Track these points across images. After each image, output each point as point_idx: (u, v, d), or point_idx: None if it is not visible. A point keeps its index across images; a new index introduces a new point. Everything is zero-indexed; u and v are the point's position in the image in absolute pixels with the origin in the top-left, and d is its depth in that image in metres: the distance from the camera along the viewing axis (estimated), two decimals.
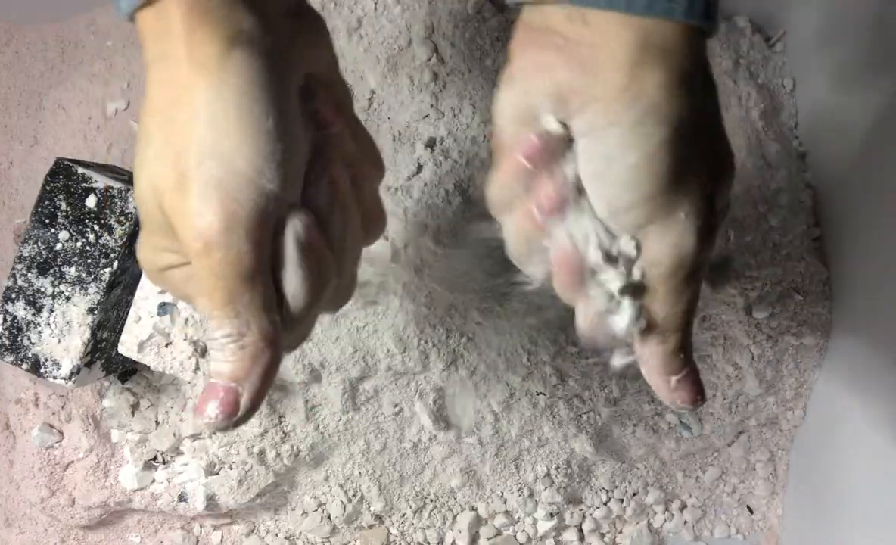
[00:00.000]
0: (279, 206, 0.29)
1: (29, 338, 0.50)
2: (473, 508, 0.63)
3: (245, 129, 0.27)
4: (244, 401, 0.29)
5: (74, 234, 0.50)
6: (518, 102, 0.30)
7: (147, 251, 0.31)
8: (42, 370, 0.50)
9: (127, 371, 0.58)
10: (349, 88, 0.34)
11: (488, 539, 0.64)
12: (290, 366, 0.55)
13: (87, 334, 0.50)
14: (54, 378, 0.50)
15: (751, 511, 0.67)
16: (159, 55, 0.28)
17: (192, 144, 0.27)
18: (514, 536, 0.64)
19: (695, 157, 0.29)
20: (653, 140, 0.28)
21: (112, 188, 0.50)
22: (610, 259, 0.30)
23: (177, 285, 0.31)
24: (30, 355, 0.50)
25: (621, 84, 0.28)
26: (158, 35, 0.28)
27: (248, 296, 0.28)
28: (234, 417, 0.29)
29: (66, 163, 0.50)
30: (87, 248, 0.49)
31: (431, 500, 0.62)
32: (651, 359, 0.32)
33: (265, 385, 0.30)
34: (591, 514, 0.65)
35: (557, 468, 0.61)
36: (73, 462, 0.59)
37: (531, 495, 0.62)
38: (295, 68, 0.30)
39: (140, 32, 0.29)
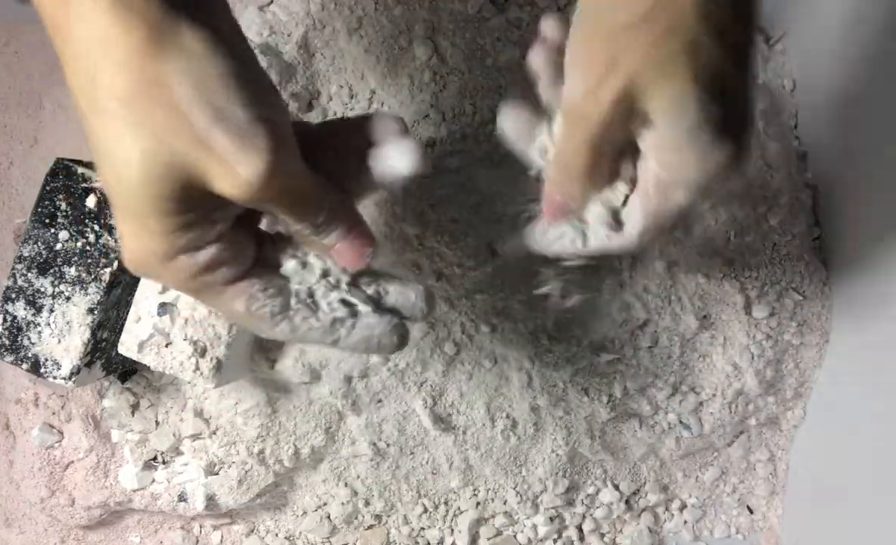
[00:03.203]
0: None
1: (29, 339, 0.50)
2: (474, 507, 0.63)
3: (244, 86, 0.30)
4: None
5: (74, 233, 0.50)
6: None
7: (159, 243, 0.32)
8: (42, 370, 0.50)
9: (127, 371, 0.58)
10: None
11: (488, 539, 0.64)
12: (291, 367, 0.55)
13: (87, 334, 0.50)
14: (54, 378, 0.50)
15: (751, 511, 0.67)
16: (96, 40, 0.29)
17: (200, 112, 0.29)
18: (514, 536, 0.64)
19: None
20: None
21: None
22: None
23: (193, 264, 0.33)
24: (30, 355, 0.50)
25: None
26: (76, 17, 0.28)
27: (323, 187, 0.35)
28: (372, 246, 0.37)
29: (65, 163, 0.50)
30: (87, 247, 0.49)
31: (431, 500, 0.62)
32: None
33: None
34: (591, 514, 0.65)
35: (558, 468, 0.61)
36: (73, 462, 0.59)
37: (531, 495, 0.62)
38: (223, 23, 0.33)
39: (47, 19, 0.29)
